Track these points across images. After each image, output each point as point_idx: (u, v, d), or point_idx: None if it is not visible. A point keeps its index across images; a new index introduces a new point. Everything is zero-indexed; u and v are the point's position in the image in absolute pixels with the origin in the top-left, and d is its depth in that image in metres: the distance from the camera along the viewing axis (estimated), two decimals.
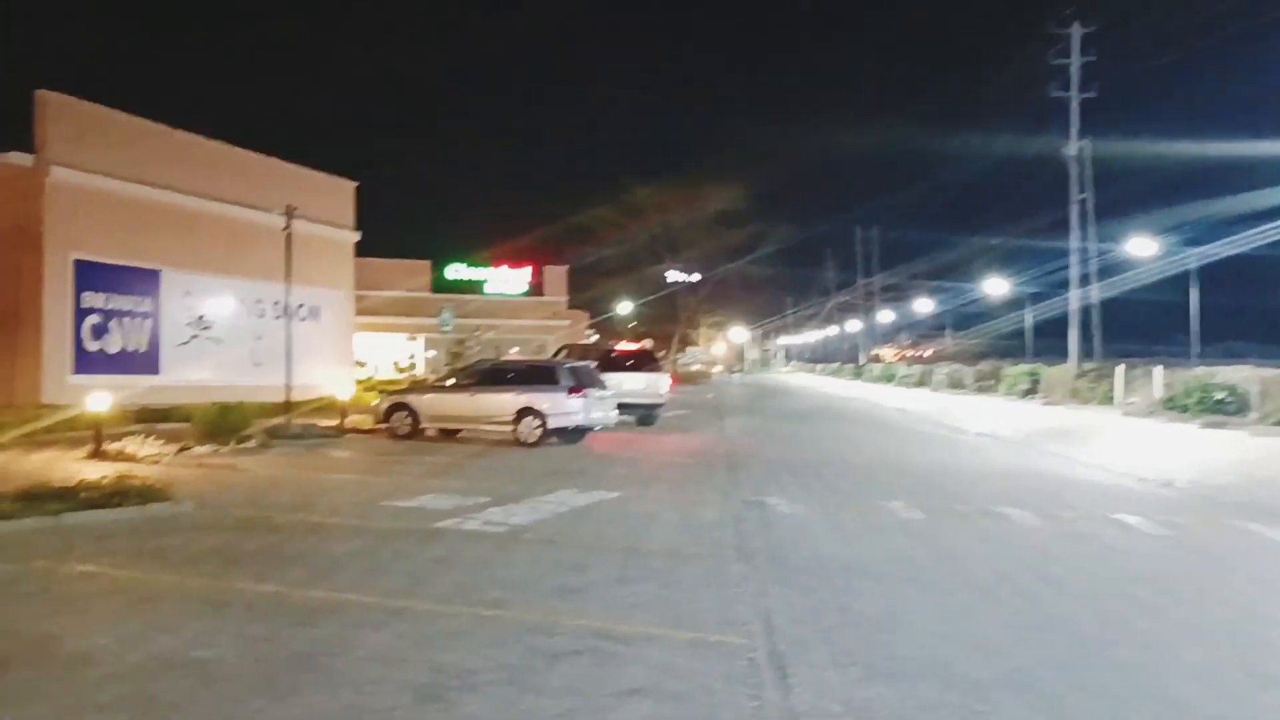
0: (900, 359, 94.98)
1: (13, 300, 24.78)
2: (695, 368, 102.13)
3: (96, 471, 13.65)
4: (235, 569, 8.74)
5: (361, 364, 47.05)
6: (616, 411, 22.74)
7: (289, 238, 23.99)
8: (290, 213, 23.90)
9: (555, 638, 6.89)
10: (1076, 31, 41.15)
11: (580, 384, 21.38)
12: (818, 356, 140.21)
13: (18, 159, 24.72)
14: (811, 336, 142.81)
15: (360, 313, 51.18)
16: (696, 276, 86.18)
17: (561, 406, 20.93)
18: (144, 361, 27.56)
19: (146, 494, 11.57)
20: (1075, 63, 41.23)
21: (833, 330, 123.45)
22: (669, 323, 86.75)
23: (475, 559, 9.44)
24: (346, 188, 36.62)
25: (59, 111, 25.33)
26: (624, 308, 78.46)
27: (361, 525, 11.12)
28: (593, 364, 23.75)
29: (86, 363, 25.87)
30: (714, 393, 55.57)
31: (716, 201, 75.54)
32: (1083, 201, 40.42)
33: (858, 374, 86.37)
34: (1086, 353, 42.37)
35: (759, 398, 51.15)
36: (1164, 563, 10.62)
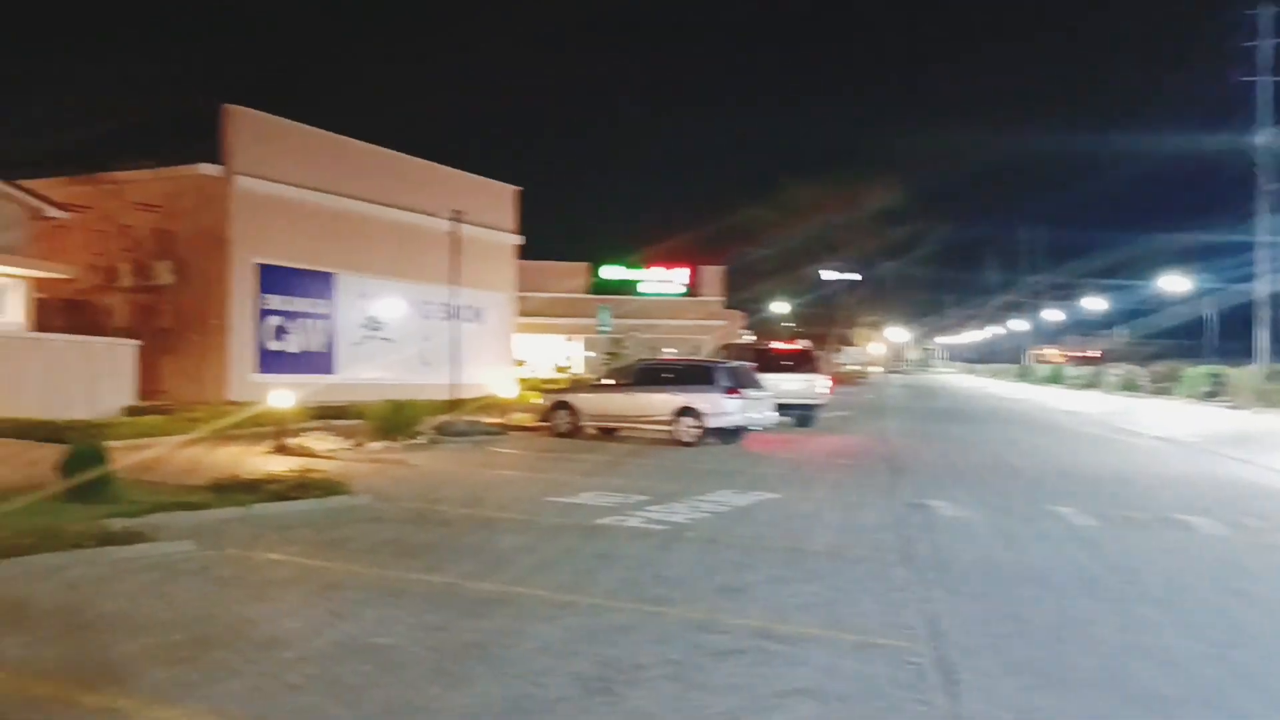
0: (1066, 359, 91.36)
1: (202, 303, 26.37)
2: (853, 368, 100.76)
3: (279, 465, 14.46)
4: (410, 560, 9.10)
5: (521, 363, 48.22)
6: (775, 412, 22.63)
7: (455, 241, 24.75)
8: (457, 217, 24.64)
9: (718, 635, 6.93)
10: (1266, 12, 38.80)
11: (737, 384, 21.38)
12: (979, 357, 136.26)
13: (207, 169, 26.29)
14: (973, 337, 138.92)
15: (520, 314, 52.57)
16: (855, 276, 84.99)
17: (719, 406, 20.97)
18: (320, 361, 28.92)
19: (326, 487, 12.15)
20: (1264, 45, 38.90)
21: (995, 330, 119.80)
22: (826, 323, 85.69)
23: (638, 556, 9.57)
24: (508, 192, 37.56)
25: (243, 124, 26.83)
26: (780, 307, 77.96)
27: (527, 520, 11.41)
28: (750, 364, 23.68)
29: (268, 362, 27.31)
30: (873, 393, 54.65)
31: (875, 200, 74.41)
32: (1272, 192, 38.07)
33: (1023, 375, 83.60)
34: (1276, 353, 39.90)
35: (919, 399, 50.05)
36: None
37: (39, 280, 23.67)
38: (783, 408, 26.44)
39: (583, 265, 58.85)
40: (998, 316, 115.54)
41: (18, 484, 11.52)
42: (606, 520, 11.47)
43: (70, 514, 9.89)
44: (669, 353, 46.52)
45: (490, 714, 5.42)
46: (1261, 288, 38.64)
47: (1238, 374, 38.89)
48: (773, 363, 27.30)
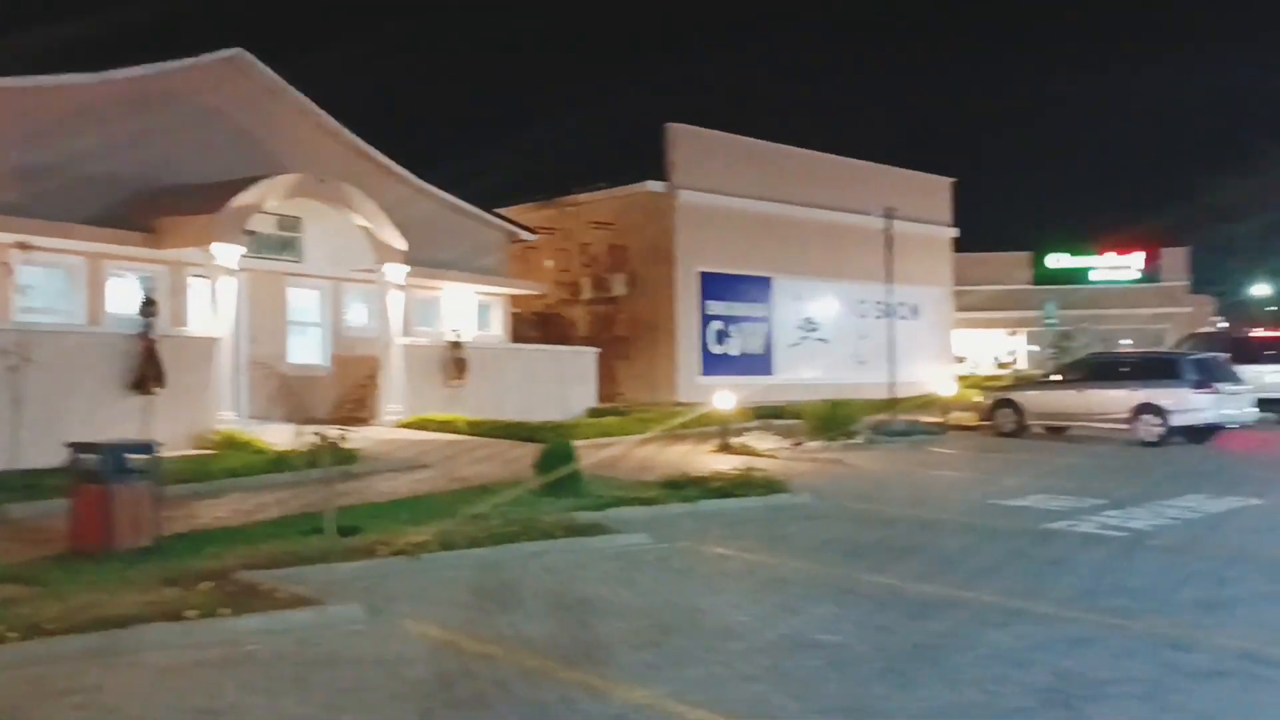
0: None
1: (652, 311, 28.24)
2: None
3: (723, 464, 15.13)
4: (852, 559, 9.16)
5: (961, 360, 46.71)
6: (1255, 408, 20.14)
7: (889, 238, 24.55)
8: (889, 214, 24.45)
9: (1194, 654, 6.30)
10: None
11: (1208, 377, 19.29)
12: None
13: (653, 186, 28.12)
14: None
15: (960, 309, 50.93)
16: None
17: (1186, 403, 19.05)
18: (759, 362, 29.91)
19: (768, 485, 12.54)
20: None
21: None
22: None
23: (1094, 563, 8.94)
24: (943, 185, 36.61)
25: (683, 140, 28.40)
26: (1260, 290, 69.16)
27: (970, 522, 11.06)
28: (1223, 355, 21.26)
29: (711, 364, 28.69)
30: None
31: None
32: None
33: None
34: None
35: None
36: None
37: (514, 297, 26.53)
38: (1265, 403, 23.49)
39: (1025, 255, 55.90)
40: None
41: (503, 479, 13.03)
42: (1057, 524, 10.83)
43: (544, 506, 11.01)
44: (1124, 344, 42.96)
45: (941, 719, 5.32)
46: None
47: None
48: (1252, 352, 24.31)
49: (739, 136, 30.07)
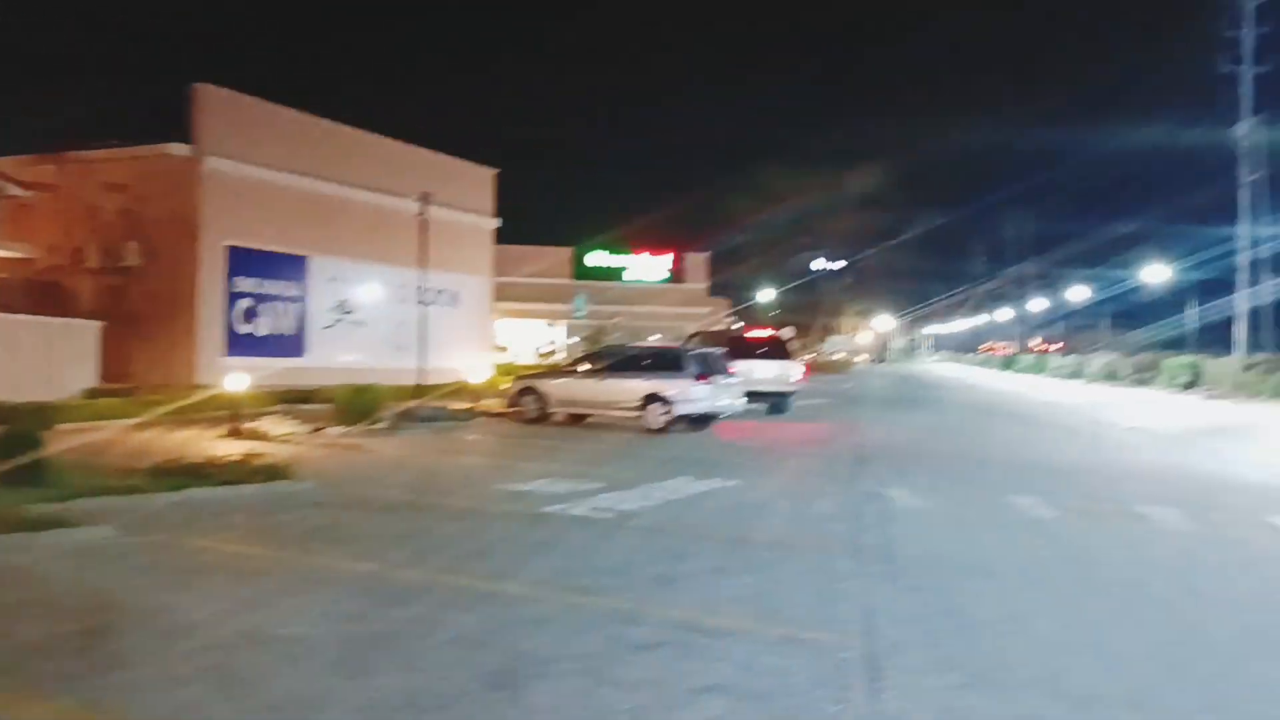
0: (1044, 349, 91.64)
1: (171, 285, 26.03)
2: (839, 356, 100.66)
3: (232, 450, 14.16)
4: (341, 547, 8.86)
5: (503, 349, 47.89)
6: (744, 399, 22.40)
7: (423, 223, 24.47)
8: (425, 199, 24.36)
9: (641, 628, 6.70)
10: (1250, 2, 38.60)
11: (706, 371, 21.14)
12: (967, 346, 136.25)
13: (176, 150, 25.90)
14: (960, 325, 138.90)
15: (502, 299, 52.08)
16: (840, 264, 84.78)
17: (688, 393, 20.73)
18: (291, 344, 28.62)
19: (270, 472, 11.89)
20: (1249, 34, 38.70)
21: (981, 319, 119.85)
22: (812, 310, 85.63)
23: (577, 545, 9.34)
24: (486, 175, 37.20)
25: (213, 103, 26.43)
26: (766, 295, 77.71)
27: (472, 507, 11.17)
28: (720, 351, 23.46)
29: (237, 345, 27.01)
30: (853, 382, 54.46)
31: (861, 188, 74.33)
32: (1253, 183, 37.93)
33: (1007, 365, 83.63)
34: (1256, 345, 39.82)
35: (900, 387, 49.89)
36: None
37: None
38: (755, 395, 26.27)
39: (568, 251, 58.58)
40: (985, 305, 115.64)
41: None
42: (553, 508, 11.22)
43: None
44: (655, 339, 46.31)
45: (385, 709, 5.19)
46: (1242, 278, 38.52)
47: (1216, 364, 38.85)
48: (745, 349, 27.09)
49: (278, 106, 28.55)
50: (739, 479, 14.23)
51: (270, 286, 28.16)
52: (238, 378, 17.27)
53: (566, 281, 53.43)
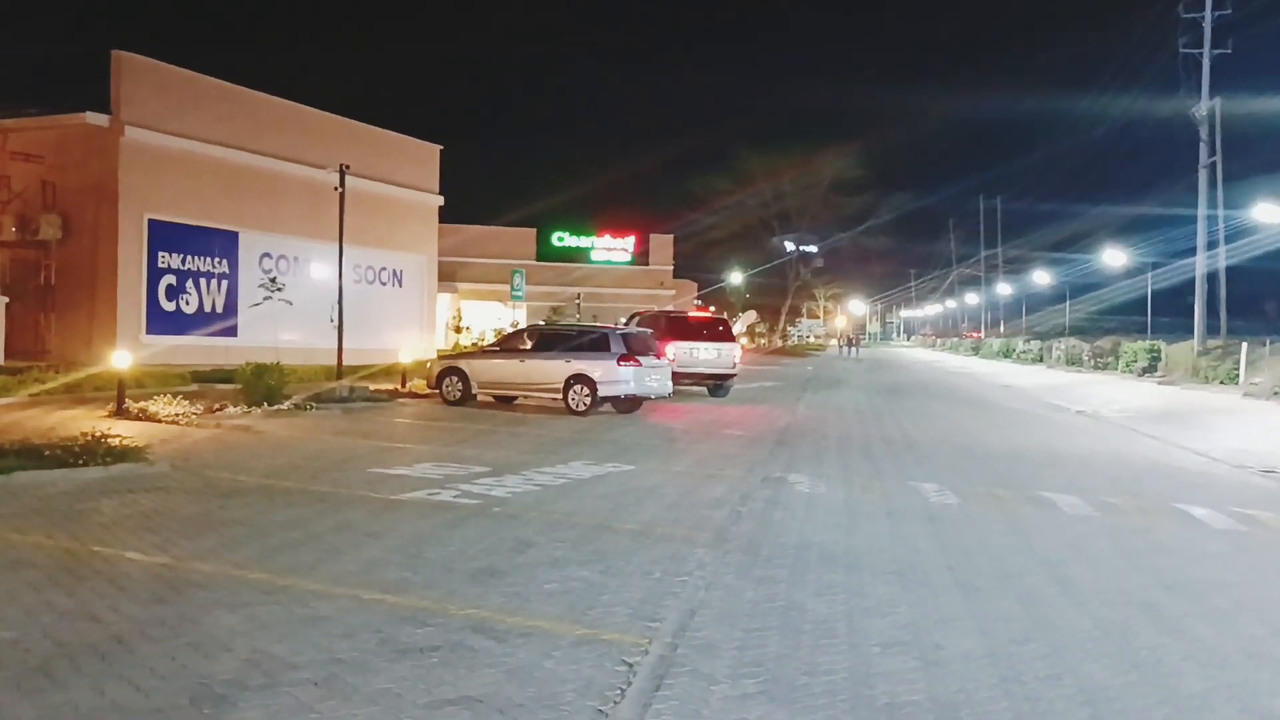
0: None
1: (90, 259, 25.09)
2: (810, 340, 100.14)
3: (110, 429, 13.28)
4: (147, 536, 8.11)
5: (462, 330, 47.06)
6: (671, 382, 21.67)
7: (341, 197, 23.67)
8: (344, 169, 23.53)
9: (424, 629, 6.01)
10: None
11: (632, 352, 20.41)
12: (939, 330, 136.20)
13: (94, 119, 24.91)
14: (933, 310, 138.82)
15: (463, 280, 51.26)
16: (812, 248, 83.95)
17: (612, 375, 20.01)
18: (219, 322, 27.71)
19: (119, 453, 11.13)
20: (1208, 16, 38.13)
21: (954, 304, 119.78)
22: (782, 294, 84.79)
23: (416, 534, 8.62)
24: (431, 151, 36.25)
25: (134, 72, 25.44)
26: (734, 278, 76.86)
27: (328, 492, 10.44)
28: (648, 332, 22.74)
29: (163, 322, 26.10)
30: (813, 365, 53.87)
31: (833, 170, 73.36)
32: (1212, 166, 37.41)
33: (975, 349, 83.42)
34: (1213, 329, 39.43)
35: (860, 372, 49.29)
36: (1213, 565, 9.12)
37: None
38: (693, 376, 25.63)
39: (531, 231, 57.73)
40: (957, 290, 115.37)
41: None
42: (417, 494, 10.50)
43: None
44: (620, 321, 45.56)
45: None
46: (1200, 262, 38.05)
47: (1174, 349, 38.43)
48: (687, 330, 26.42)
49: (204, 76, 27.53)
50: (638, 463, 13.55)
51: (197, 262, 27.23)
52: (122, 355, 16.49)
53: (531, 262, 52.61)
